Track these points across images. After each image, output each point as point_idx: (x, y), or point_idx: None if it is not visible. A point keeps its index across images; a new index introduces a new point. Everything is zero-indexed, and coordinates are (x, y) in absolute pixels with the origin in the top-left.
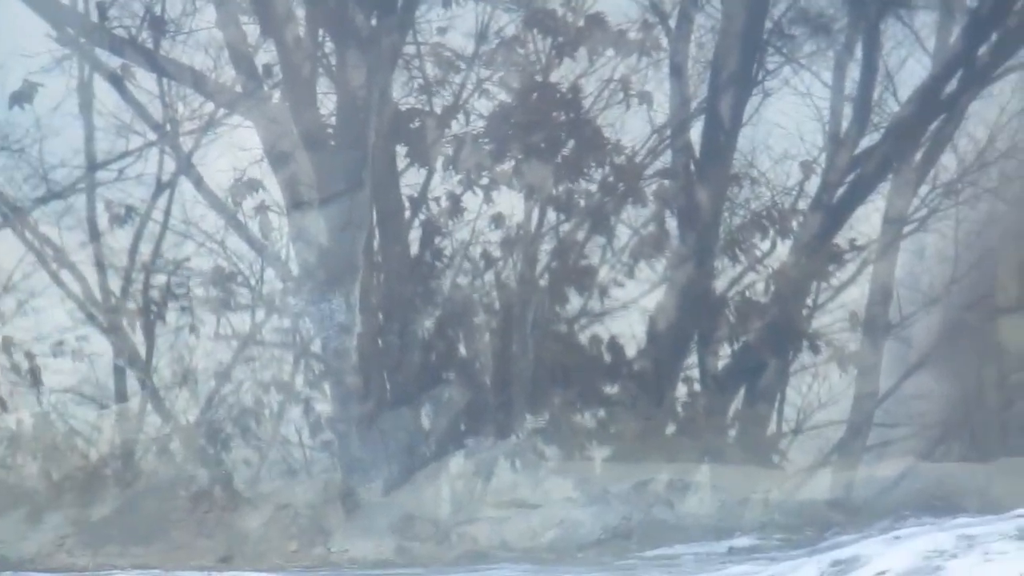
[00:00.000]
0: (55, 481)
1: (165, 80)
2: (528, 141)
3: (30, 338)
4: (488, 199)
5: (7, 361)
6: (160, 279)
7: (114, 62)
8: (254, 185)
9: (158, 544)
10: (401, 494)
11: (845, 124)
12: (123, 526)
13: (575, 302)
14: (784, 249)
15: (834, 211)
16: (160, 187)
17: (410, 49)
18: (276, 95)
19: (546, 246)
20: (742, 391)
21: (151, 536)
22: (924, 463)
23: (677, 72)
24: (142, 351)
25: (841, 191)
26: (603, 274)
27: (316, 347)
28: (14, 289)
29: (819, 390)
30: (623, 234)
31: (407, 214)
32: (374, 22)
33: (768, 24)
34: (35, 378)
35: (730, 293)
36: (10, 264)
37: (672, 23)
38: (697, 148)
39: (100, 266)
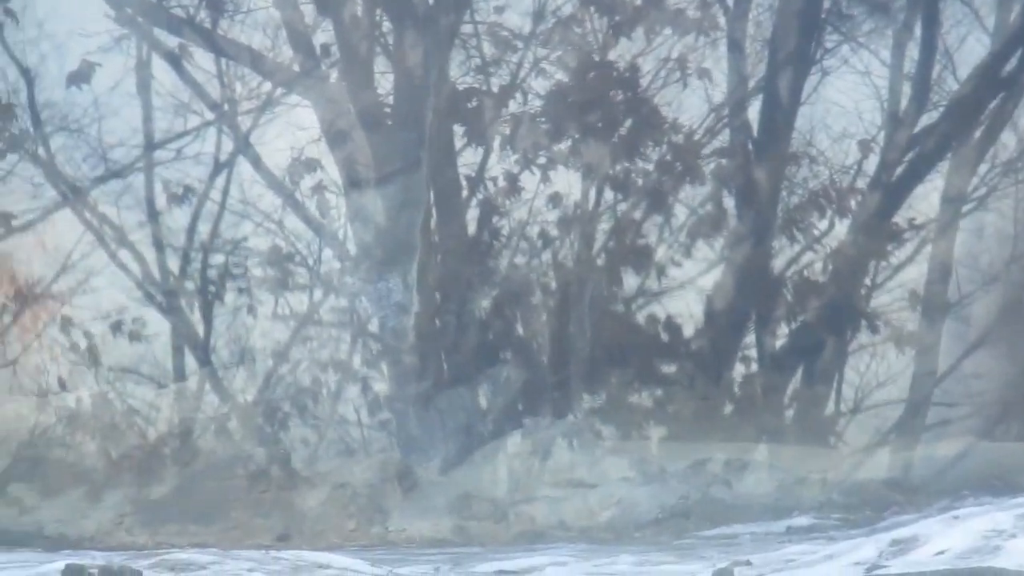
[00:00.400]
0: (114, 460)
1: (223, 60)
2: (585, 120)
3: (89, 317)
4: (545, 178)
5: (66, 340)
6: (218, 259)
7: (172, 41)
8: (311, 165)
9: (216, 523)
10: (458, 473)
11: (904, 102)
12: (181, 505)
13: (632, 282)
14: (842, 228)
15: (893, 190)
16: (218, 167)
17: (467, 28)
18: (334, 75)
19: (603, 225)
20: (800, 371)
21: (209, 515)
22: (983, 442)
23: (735, 50)
24: (200, 331)
25: (900, 170)
26: (660, 253)
27: (373, 327)
28: (73, 268)
29: (877, 369)
30: (680, 213)
31: (464, 194)
32: (431, 1)
33: (826, 3)
34: (94, 357)
35: (788, 272)
36: (69, 243)
37: (730, 1)
38: (755, 127)
39: (158, 246)
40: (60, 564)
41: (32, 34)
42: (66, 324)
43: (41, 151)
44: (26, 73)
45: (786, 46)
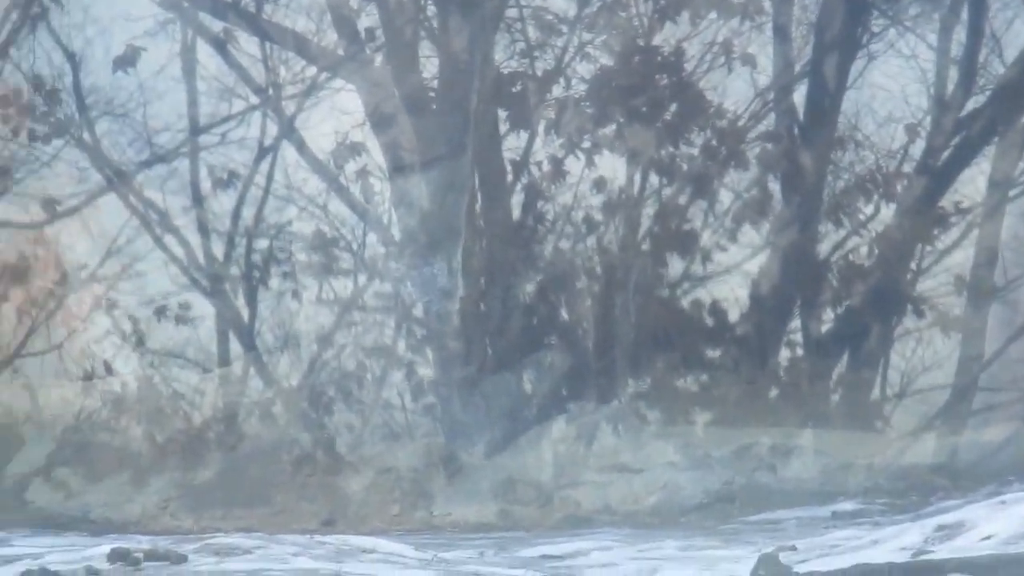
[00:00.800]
0: (159, 444)
1: (268, 44)
2: (630, 105)
3: (134, 302)
4: (590, 163)
5: (112, 324)
6: (262, 244)
7: (217, 26)
8: (356, 149)
9: (261, 507)
10: (503, 458)
11: (950, 87)
12: (226, 489)
13: (677, 266)
14: (888, 212)
15: (939, 174)
16: (262, 151)
17: (512, 12)
18: (378, 59)
19: (648, 210)
20: (846, 355)
21: (254, 499)
22: None
23: (780, 35)
24: (245, 315)
25: (946, 154)
26: (706, 238)
27: (418, 311)
28: (119, 253)
29: (923, 354)
30: (726, 198)
31: (509, 178)
32: None
33: None
34: (139, 341)
35: (834, 257)
36: (114, 228)
37: None
38: (801, 111)
39: (203, 230)
40: (106, 548)
41: (78, 19)
42: (112, 308)
43: (87, 136)
44: (72, 58)
45: (832, 30)
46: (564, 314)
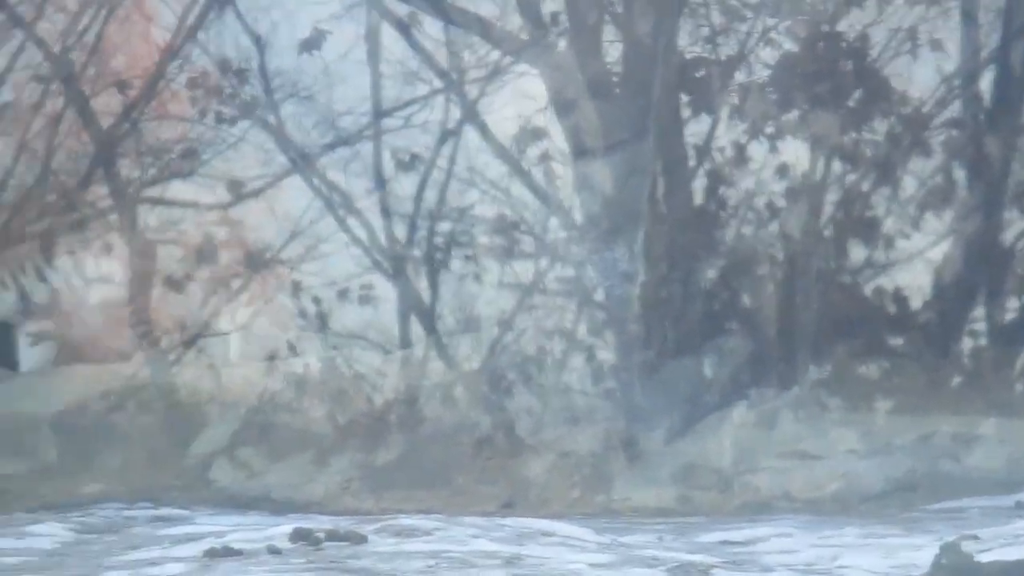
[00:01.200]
0: (341, 425)
1: (452, 28)
2: (814, 91)
3: (317, 283)
4: (773, 149)
5: (295, 306)
6: (444, 227)
7: (401, 10)
8: (539, 133)
9: (441, 489)
10: (683, 443)
11: None
12: (406, 471)
13: (859, 253)
14: None
15: None
16: (445, 135)
17: None
18: (562, 43)
19: (831, 196)
20: None
21: (434, 481)
22: None
23: (968, 20)
24: (426, 298)
25: None
26: (888, 225)
27: (599, 295)
28: (302, 235)
29: None
30: (909, 185)
31: (691, 163)
32: None
33: None
34: (322, 323)
35: (1019, 245)
36: (298, 210)
37: None
38: (987, 98)
39: (386, 213)
40: (288, 527)
41: (264, 2)
42: (296, 290)
43: (272, 118)
44: (258, 41)
45: (1020, 15)
46: (745, 300)
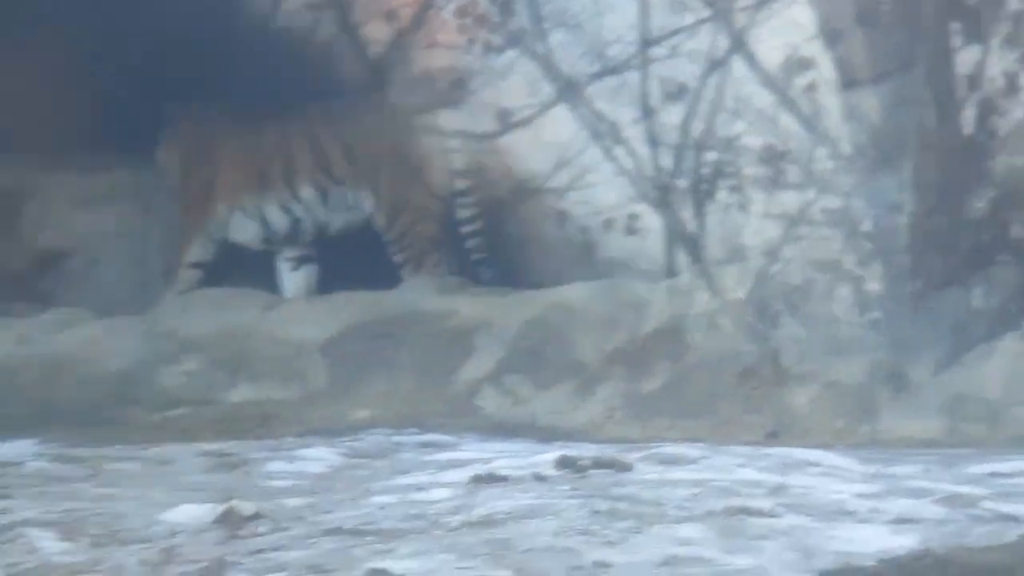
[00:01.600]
0: (606, 354)
1: None
2: None
3: (584, 212)
4: None
5: (561, 236)
6: (711, 156)
7: None
8: (806, 63)
9: (706, 418)
10: (950, 374)
11: None
12: (671, 400)
13: None
14: None
15: None
16: (712, 64)
17: None
18: None
19: None
20: None
21: (699, 410)
22: None
23: None
24: (692, 227)
25: None
26: None
27: (867, 226)
28: (568, 164)
29: None
30: None
31: (961, 93)
32: None
33: None
34: (589, 252)
35: None
36: (564, 139)
37: None
38: None
39: (652, 142)
40: (553, 455)
41: None
42: (562, 219)
43: (539, 47)
44: None
45: None
46: (1015, 230)
